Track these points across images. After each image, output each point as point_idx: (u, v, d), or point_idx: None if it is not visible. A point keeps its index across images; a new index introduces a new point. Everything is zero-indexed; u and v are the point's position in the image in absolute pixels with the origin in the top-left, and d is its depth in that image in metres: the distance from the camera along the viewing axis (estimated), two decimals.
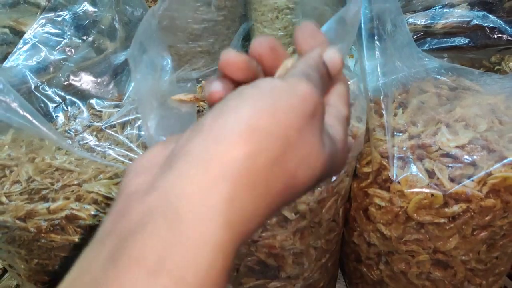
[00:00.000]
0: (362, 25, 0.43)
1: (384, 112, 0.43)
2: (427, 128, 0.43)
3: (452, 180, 0.37)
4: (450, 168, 0.39)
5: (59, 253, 0.40)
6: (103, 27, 0.45)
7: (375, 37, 0.44)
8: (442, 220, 0.38)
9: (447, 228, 0.38)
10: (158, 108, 0.42)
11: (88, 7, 0.45)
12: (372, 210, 0.41)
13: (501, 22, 0.48)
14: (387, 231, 0.40)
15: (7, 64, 0.44)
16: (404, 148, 0.40)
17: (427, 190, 0.37)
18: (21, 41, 0.43)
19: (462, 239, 0.39)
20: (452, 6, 0.54)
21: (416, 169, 0.38)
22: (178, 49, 0.80)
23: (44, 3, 0.68)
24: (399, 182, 0.38)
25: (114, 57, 0.48)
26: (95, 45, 0.46)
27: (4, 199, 0.38)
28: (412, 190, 0.37)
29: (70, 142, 0.42)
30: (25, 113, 0.33)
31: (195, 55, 0.81)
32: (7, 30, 0.76)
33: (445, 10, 0.52)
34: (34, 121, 0.34)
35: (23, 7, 0.78)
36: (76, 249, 0.40)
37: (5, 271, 0.55)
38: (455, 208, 0.37)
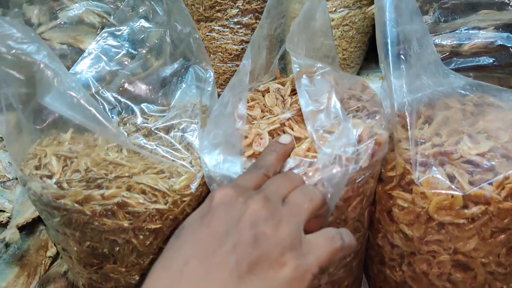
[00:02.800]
0: (389, 45, 0.47)
1: (409, 126, 0.46)
2: (450, 138, 0.45)
3: (471, 183, 0.40)
4: (470, 173, 0.41)
5: (108, 236, 0.45)
6: (156, 41, 0.51)
7: (401, 57, 0.47)
8: (461, 221, 0.40)
9: (466, 229, 0.40)
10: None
11: (143, 23, 0.51)
12: (395, 211, 0.44)
13: None
14: (409, 231, 0.43)
15: (72, 71, 0.51)
16: (427, 154, 0.43)
17: (447, 192, 0.40)
18: (86, 51, 0.50)
19: (481, 241, 0.41)
20: (478, 28, 0.57)
21: (438, 173, 0.41)
22: (218, 68, 0.87)
23: (98, 24, 0.76)
24: (421, 184, 0.41)
25: (163, 68, 0.54)
26: (148, 56, 0.52)
27: (65, 185, 0.44)
28: (433, 191, 0.40)
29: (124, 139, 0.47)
30: (91, 108, 0.39)
31: (233, 74, 0.86)
32: (65, 46, 0.85)
33: (471, 31, 0.56)
34: (99, 116, 0.40)
35: (80, 27, 0.87)
36: (124, 233, 0.44)
37: (54, 259, 0.60)
38: (474, 209, 0.39)
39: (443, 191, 0.40)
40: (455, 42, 0.57)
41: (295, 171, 0.39)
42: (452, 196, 0.40)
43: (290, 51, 0.43)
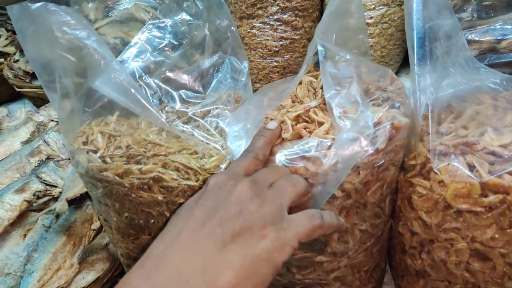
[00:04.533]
0: (415, 38, 0.48)
1: (431, 119, 0.47)
2: (474, 130, 0.46)
3: (490, 173, 0.41)
4: (491, 164, 0.42)
5: (144, 208, 0.49)
6: (196, 33, 0.55)
7: (427, 49, 0.48)
8: (479, 209, 0.41)
9: (484, 217, 0.41)
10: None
11: (184, 16, 0.56)
12: (415, 198, 0.45)
13: None
14: (427, 218, 0.44)
15: (120, 59, 0.56)
16: (448, 144, 0.44)
17: (465, 180, 0.40)
18: (132, 40, 0.55)
19: (500, 231, 0.41)
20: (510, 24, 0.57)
21: (457, 162, 0.42)
22: (257, 64, 0.90)
23: (147, 20, 0.82)
24: (439, 171, 0.42)
25: (202, 59, 0.58)
26: (188, 47, 0.56)
27: (108, 160, 0.49)
28: (451, 178, 0.41)
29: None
30: (132, 89, 0.43)
31: (272, 69, 0.90)
32: (118, 41, 0.92)
33: (506, 26, 0.55)
34: (139, 97, 0.44)
35: (132, 23, 0.94)
36: (158, 206, 0.48)
37: (98, 232, 0.66)
38: (492, 198, 0.40)
39: (461, 179, 0.41)
40: (491, 38, 0.57)
41: (313, 150, 0.41)
42: (470, 184, 0.40)
43: (318, 38, 0.45)
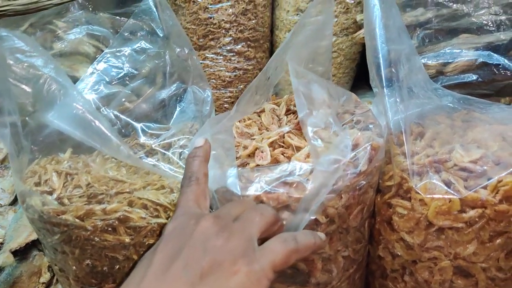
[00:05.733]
0: (381, 62, 0.49)
1: (405, 140, 0.48)
2: (442, 149, 0.47)
3: (467, 188, 0.41)
4: (464, 180, 0.43)
5: (109, 253, 0.44)
6: (156, 62, 0.53)
7: (393, 72, 0.50)
8: (460, 225, 0.41)
9: (465, 233, 0.41)
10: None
11: (143, 45, 0.53)
12: (396, 219, 0.45)
13: (505, 59, 0.54)
14: (410, 238, 0.44)
15: None
16: (422, 163, 0.44)
17: (445, 196, 0.41)
18: (88, 70, 0.51)
19: (480, 245, 0.42)
20: (460, 49, 0.60)
21: (435, 179, 0.42)
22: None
23: (92, 54, 0.78)
24: (419, 189, 0.42)
25: (163, 89, 0.56)
26: (148, 76, 0.53)
27: (66, 201, 0.44)
28: (431, 196, 0.41)
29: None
30: (96, 120, 0.40)
31: (226, 100, 0.88)
32: None
33: (454, 51, 0.59)
34: (103, 129, 0.41)
35: (74, 57, 0.89)
36: (125, 250, 0.44)
37: (48, 286, 0.58)
38: (471, 213, 0.40)
39: (441, 196, 0.41)
40: (440, 61, 0.60)
41: (295, 175, 0.40)
42: (450, 200, 0.41)
43: (290, 60, 0.45)
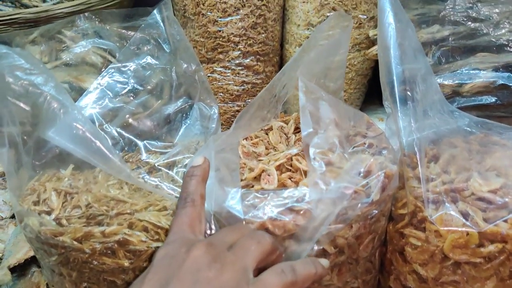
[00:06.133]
0: (395, 83, 0.47)
1: (419, 164, 0.45)
2: (458, 175, 0.45)
3: (485, 221, 0.39)
4: (483, 211, 0.40)
5: (108, 277, 0.42)
6: (162, 78, 0.51)
7: (408, 94, 0.47)
8: (478, 260, 0.39)
9: (483, 268, 0.39)
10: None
11: (149, 60, 0.52)
12: (408, 250, 0.42)
13: None
14: (423, 271, 0.41)
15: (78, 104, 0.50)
16: (438, 191, 0.42)
17: (462, 229, 0.38)
18: (91, 85, 0.49)
19: (500, 282, 0.39)
20: (478, 69, 0.58)
21: (451, 210, 0.40)
22: (219, 108, 0.87)
23: (100, 64, 0.77)
24: (434, 221, 0.40)
25: (168, 105, 0.54)
26: (154, 92, 0.52)
27: (64, 222, 0.42)
28: (447, 228, 0.39)
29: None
30: (96, 141, 0.38)
31: (234, 114, 0.87)
32: (66, 86, 0.85)
33: (471, 72, 0.56)
34: (103, 149, 0.39)
35: (82, 66, 0.88)
36: (124, 274, 0.42)
37: None
38: (491, 247, 0.38)
39: (458, 229, 0.39)
40: (456, 81, 0.58)
41: (303, 202, 0.38)
42: (467, 233, 0.38)
43: (300, 75, 0.43)
